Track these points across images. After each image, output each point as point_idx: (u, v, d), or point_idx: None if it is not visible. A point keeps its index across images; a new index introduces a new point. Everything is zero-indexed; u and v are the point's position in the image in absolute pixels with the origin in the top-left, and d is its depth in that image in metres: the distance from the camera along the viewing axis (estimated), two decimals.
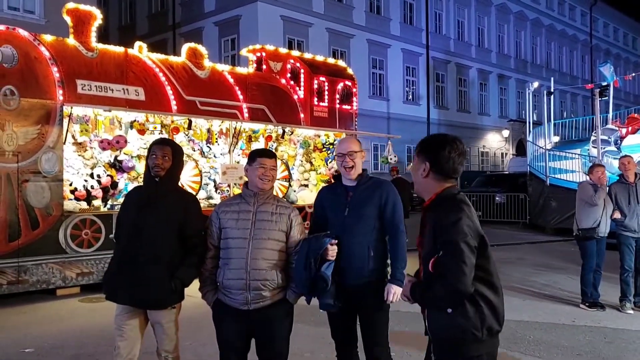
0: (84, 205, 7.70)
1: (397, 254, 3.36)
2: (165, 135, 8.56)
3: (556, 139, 19.85)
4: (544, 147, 16.55)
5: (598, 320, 6.17)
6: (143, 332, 3.40)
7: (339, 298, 3.27)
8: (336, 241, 3.23)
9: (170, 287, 3.21)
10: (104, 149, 7.76)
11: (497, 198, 17.72)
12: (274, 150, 9.86)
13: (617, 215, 6.55)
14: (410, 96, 27.99)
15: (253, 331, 3.22)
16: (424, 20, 28.41)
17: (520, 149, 31.69)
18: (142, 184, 3.56)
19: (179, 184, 3.55)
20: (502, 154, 33.29)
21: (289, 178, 9.97)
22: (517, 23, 34.78)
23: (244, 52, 11.04)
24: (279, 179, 9.75)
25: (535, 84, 18.48)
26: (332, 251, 3.21)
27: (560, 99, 37.62)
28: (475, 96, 31.95)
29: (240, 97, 9.36)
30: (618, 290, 6.68)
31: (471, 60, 31.39)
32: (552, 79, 19.20)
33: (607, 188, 6.70)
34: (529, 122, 18.24)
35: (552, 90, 17.10)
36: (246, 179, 3.36)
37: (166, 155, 3.31)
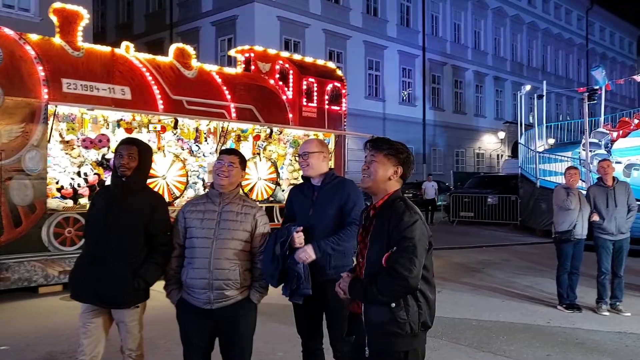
0: (70, 203, 7.74)
1: (339, 235, 3.35)
2: (153, 134, 8.62)
3: (552, 141, 19.92)
4: (535, 150, 16.62)
5: (573, 321, 6.21)
6: (108, 330, 3.43)
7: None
8: (301, 229, 3.28)
9: (134, 286, 3.24)
10: (86, 147, 7.79)
11: (489, 199, 17.77)
12: (262, 150, 9.91)
13: (596, 217, 6.59)
14: (406, 97, 28.04)
15: (216, 330, 3.25)
16: (420, 23, 28.47)
17: (516, 151, 31.75)
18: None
19: (148, 183, 3.58)
20: (497, 155, 33.36)
21: (276, 179, 10.00)
22: (513, 26, 34.86)
23: (232, 52, 11.08)
24: (265, 179, 9.79)
25: (528, 87, 18.57)
26: (299, 238, 3.26)
27: (556, 102, 37.73)
28: (471, 98, 32.02)
29: (228, 97, 9.39)
30: (595, 292, 6.73)
31: (467, 62, 31.46)
32: (544, 82, 19.26)
33: (586, 190, 6.74)
34: (521, 125, 18.31)
35: (543, 93, 17.14)
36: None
37: (132, 155, 3.33)
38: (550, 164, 15.82)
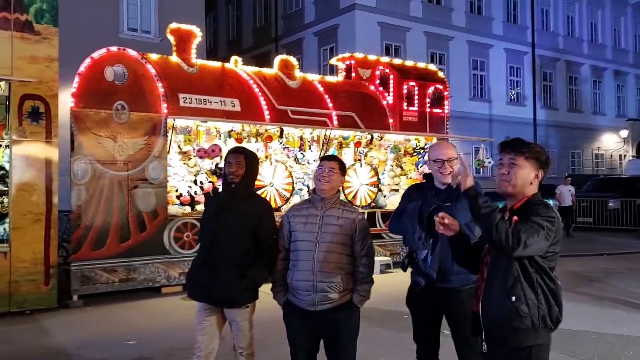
0: (188, 209, 8.32)
1: None
2: (260, 144, 9.02)
3: None
4: None
5: None
6: (222, 328, 3.66)
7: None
8: (443, 215, 2.86)
9: (242, 287, 3.43)
10: (201, 157, 8.33)
11: (610, 203, 16.49)
12: (363, 156, 10.00)
13: None
14: (514, 97, 26.81)
15: (321, 332, 3.35)
16: (529, 18, 27.09)
17: None
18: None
19: (256, 189, 3.78)
20: (619, 155, 30.79)
21: (377, 183, 10.03)
22: (635, 15, 32.04)
23: (333, 61, 11.30)
24: (367, 184, 9.85)
25: None
26: (442, 222, 2.83)
27: None
28: (588, 95, 29.85)
29: (330, 104, 9.60)
30: None
31: (583, 57, 29.39)
32: None
33: None
34: None
35: None
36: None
37: (240, 163, 3.53)
38: None
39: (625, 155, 30.41)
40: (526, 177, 2.53)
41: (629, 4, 31.48)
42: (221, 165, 8.58)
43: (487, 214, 2.39)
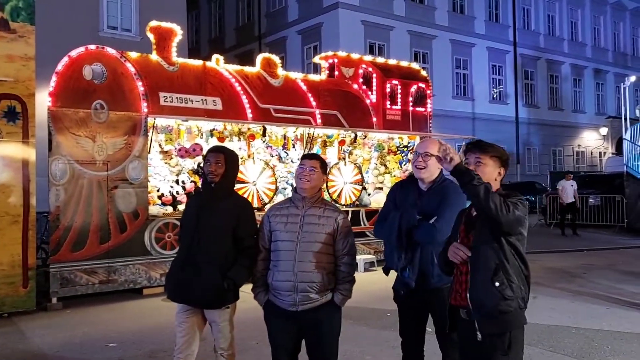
0: (170, 209, 8.22)
1: None
2: (243, 143, 8.95)
3: None
4: None
5: None
6: (202, 329, 3.61)
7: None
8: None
9: (223, 287, 3.39)
10: (182, 156, 8.24)
11: (590, 200, 16.67)
12: (347, 155, 9.98)
13: None
14: (497, 95, 27.03)
15: (302, 332, 3.31)
16: (511, 17, 27.36)
17: (621, 148, 29.55)
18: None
19: (239, 188, 3.74)
20: (600, 153, 31.22)
21: (362, 182, 10.03)
22: (614, 14, 32.51)
23: (316, 59, 11.27)
24: (351, 183, 9.84)
25: (633, 78, 17.37)
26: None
27: None
28: (569, 93, 30.23)
29: (313, 103, 9.56)
30: None
31: (563, 55, 29.77)
32: None
33: None
34: (626, 119, 17.02)
35: None
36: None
37: (219, 162, 3.49)
38: None
39: (605, 153, 30.84)
40: (491, 174, 2.74)
41: (608, 3, 31.93)
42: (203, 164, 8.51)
43: (481, 184, 2.56)
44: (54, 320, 6.50)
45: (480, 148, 2.77)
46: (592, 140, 31.09)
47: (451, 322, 2.83)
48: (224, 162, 3.50)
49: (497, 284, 2.58)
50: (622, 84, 18.10)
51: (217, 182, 3.50)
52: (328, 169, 9.34)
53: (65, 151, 7.22)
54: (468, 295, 2.66)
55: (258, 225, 3.51)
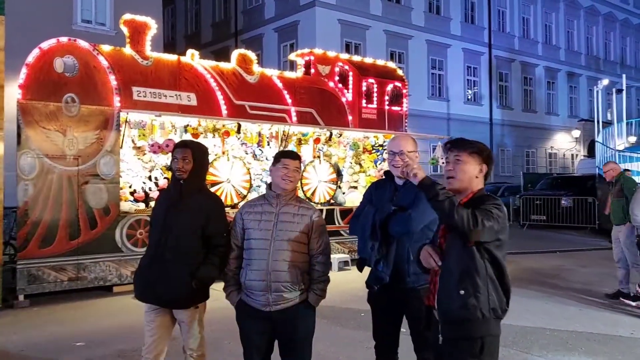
0: (142, 206, 8.08)
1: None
2: (218, 139, 8.84)
3: (633, 139, 18.73)
4: (614, 148, 15.71)
5: None
6: (171, 329, 3.52)
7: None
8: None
9: (192, 287, 3.31)
10: (154, 152, 8.10)
11: (562, 201, 16.94)
12: (323, 153, 9.95)
13: None
14: (472, 96, 27.33)
15: (275, 333, 3.25)
16: (486, 19, 27.67)
17: (593, 150, 30.19)
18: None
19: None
20: (572, 155, 31.82)
21: (337, 180, 10.01)
22: (587, 18, 33.17)
23: (292, 56, 11.20)
24: (326, 182, 9.81)
25: (605, 82, 17.64)
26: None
27: (637, 97, 35.52)
28: (542, 95, 30.73)
29: (289, 100, 9.50)
30: None
31: (537, 58, 30.23)
32: (624, 76, 18.20)
33: None
34: (598, 122, 17.35)
35: (622, 88, 16.20)
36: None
37: (186, 158, 3.39)
38: (631, 164, 14.89)
39: (577, 155, 31.46)
40: (471, 171, 2.67)
41: (582, 7, 32.54)
42: None
43: (446, 199, 2.49)
44: (20, 318, 6.33)
45: (458, 145, 2.70)
46: (564, 143, 31.66)
47: (427, 321, 2.80)
48: (191, 158, 3.41)
49: (461, 292, 2.51)
50: (594, 87, 18.43)
51: (186, 179, 3.41)
52: (303, 167, 9.33)
53: (35, 145, 7.03)
54: (436, 298, 2.64)
55: (229, 223, 3.43)
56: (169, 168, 8.48)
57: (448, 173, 2.68)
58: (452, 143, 2.75)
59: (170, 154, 8.25)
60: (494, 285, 2.54)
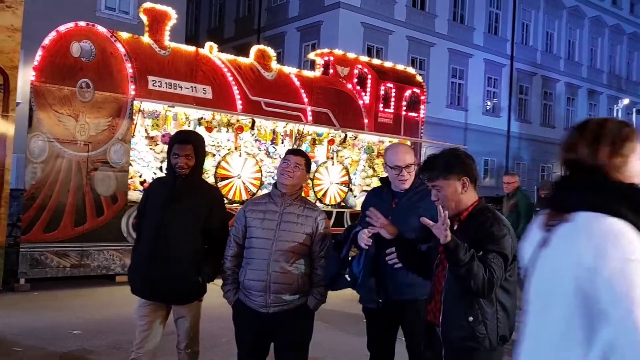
0: None
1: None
2: (231, 134, 8.74)
3: None
4: None
5: None
6: (164, 325, 3.43)
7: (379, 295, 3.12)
8: (374, 232, 2.89)
9: (197, 282, 3.22)
10: (165, 143, 8.02)
11: None
12: (335, 154, 9.83)
13: None
14: (490, 108, 27.06)
15: (272, 335, 3.16)
16: (510, 31, 27.38)
17: None
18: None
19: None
20: None
21: (348, 183, 9.88)
22: (612, 36, 32.70)
23: (311, 55, 11.11)
24: (337, 183, 9.69)
25: (626, 101, 17.38)
26: (366, 238, 2.93)
27: None
28: (562, 111, 30.34)
29: (305, 99, 9.40)
30: None
31: (559, 73, 29.85)
32: None
33: None
34: None
35: None
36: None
37: (189, 155, 3.27)
38: None
39: None
40: (453, 192, 2.47)
41: (607, 25, 32.09)
42: None
43: (467, 265, 2.27)
44: (18, 302, 6.29)
45: (430, 174, 2.50)
46: None
47: (427, 340, 2.63)
48: (193, 155, 3.29)
49: (470, 318, 2.35)
50: (615, 106, 18.11)
51: (188, 174, 3.30)
52: (315, 168, 9.22)
53: (46, 128, 7.00)
54: (440, 320, 2.46)
55: (232, 218, 3.33)
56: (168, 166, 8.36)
57: (437, 204, 2.45)
58: (424, 171, 2.57)
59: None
60: (504, 310, 2.40)
